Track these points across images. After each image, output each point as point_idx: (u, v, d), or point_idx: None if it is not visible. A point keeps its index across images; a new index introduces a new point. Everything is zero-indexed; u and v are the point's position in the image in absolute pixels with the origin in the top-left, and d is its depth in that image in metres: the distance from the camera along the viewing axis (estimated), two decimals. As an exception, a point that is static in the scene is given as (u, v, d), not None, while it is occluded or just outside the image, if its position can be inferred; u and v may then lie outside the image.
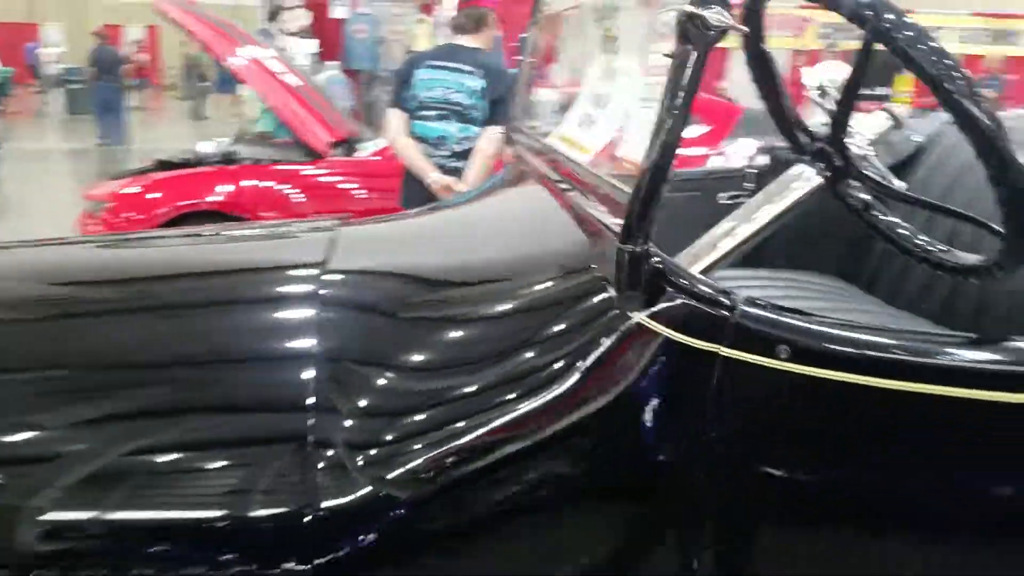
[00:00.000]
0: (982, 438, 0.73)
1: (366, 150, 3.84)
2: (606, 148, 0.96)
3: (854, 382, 0.70)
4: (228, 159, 3.67)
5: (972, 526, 0.76)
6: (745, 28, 0.72)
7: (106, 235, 2.05)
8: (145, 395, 0.89)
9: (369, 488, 0.80)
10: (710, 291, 0.73)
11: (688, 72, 0.65)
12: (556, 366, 0.80)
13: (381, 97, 9.48)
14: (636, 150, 0.77)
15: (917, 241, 0.91)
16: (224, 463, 0.85)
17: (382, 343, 0.96)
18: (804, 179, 0.87)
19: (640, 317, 0.74)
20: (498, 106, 2.74)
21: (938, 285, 1.28)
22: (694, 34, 0.64)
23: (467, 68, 2.73)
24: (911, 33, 0.69)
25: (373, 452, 0.83)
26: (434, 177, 2.68)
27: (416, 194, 2.74)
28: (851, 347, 0.72)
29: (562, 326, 0.84)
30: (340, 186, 3.68)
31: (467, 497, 0.81)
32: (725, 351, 0.72)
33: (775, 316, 0.72)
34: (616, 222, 0.80)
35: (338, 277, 1.07)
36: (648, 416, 0.78)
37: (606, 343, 0.77)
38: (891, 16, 0.69)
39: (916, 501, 0.75)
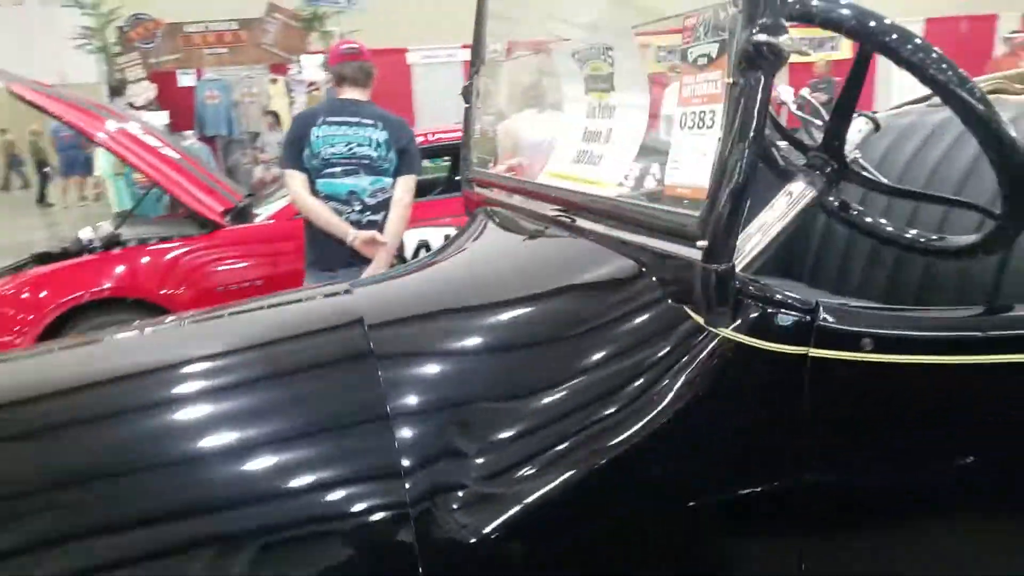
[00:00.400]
0: None
1: (262, 215, 3.76)
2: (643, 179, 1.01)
3: (936, 362, 0.78)
4: (112, 243, 3.46)
5: None
6: (810, 52, 0.79)
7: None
8: (237, 478, 0.84)
9: (479, 548, 0.79)
10: (789, 298, 0.79)
11: (760, 96, 0.71)
12: (657, 396, 0.82)
13: (241, 161, 9.26)
14: (691, 176, 0.82)
15: (908, 235, 1.02)
16: (327, 543, 0.82)
17: (456, 389, 0.96)
18: (805, 191, 0.94)
19: (730, 332, 0.79)
20: (404, 155, 2.78)
21: (877, 272, 1.42)
22: (766, 61, 0.70)
23: (367, 121, 2.75)
24: (914, 45, 0.79)
25: (477, 509, 0.82)
26: (355, 234, 2.67)
27: (330, 254, 2.71)
28: (926, 330, 0.80)
29: (648, 351, 0.87)
30: (240, 254, 3.57)
31: (583, 538, 0.82)
32: (814, 351, 0.78)
33: (854, 311, 0.79)
34: (670, 247, 0.85)
35: (386, 331, 1.06)
36: (756, 424, 0.82)
37: (701, 362, 0.81)
38: (894, 33, 0.79)
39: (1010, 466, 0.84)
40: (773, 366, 0.79)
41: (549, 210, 1.25)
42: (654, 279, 0.89)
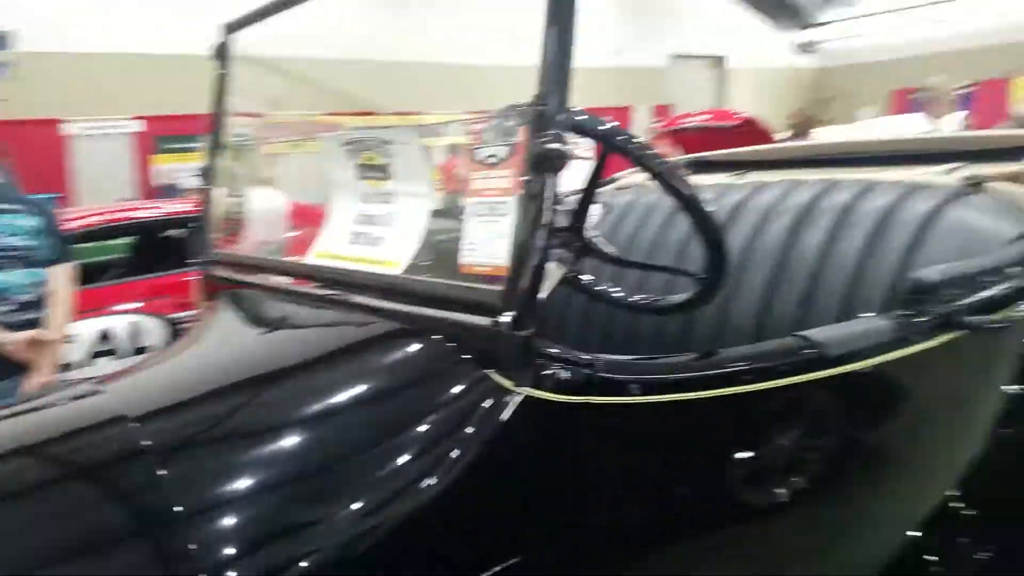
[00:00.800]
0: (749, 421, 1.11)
1: None
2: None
3: (690, 399, 1.00)
4: None
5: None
6: (588, 156, 0.97)
7: None
8: None
9: None
10: (573, 356, 0.96)
11: (551, 190, 0.87)
12: (472, 455, 0.93)
13: None
14: (487, 257, 0.95)
15: (632, 299, 1.26)
16: None
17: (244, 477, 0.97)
18: (557, 268, 1.14)
19: (533, 391, 0.93)
20: (59, 241, 2.59)
21: (616, 328, 1.73)
22: (554, 163, 0.86)
23: (13, 207, 2.51)
24: (640, 146, 1.02)
25: None
26: (11, 339, 2.38)
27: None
28: (677, 372, 1.02)
29: (455, 414, 0.96)
30: None
31: None
32: (595, 399, 0.95)
33: (623, 363, 0.98)
34: (466, 318, 0.97)
35: (156, 425, 1.03)
36: (556, 465, 0.97)
37: (512, 420, 0.93)
38: (629, 139, 1.02)
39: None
40: (570, 414, 0.95)
41: (318, 290, 1.31)
42: (453, 348, 1.00)
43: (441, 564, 0.95)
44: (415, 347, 1.05)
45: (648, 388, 0.99)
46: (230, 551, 0.88)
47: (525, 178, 0.89)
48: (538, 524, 0.99)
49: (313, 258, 1.34)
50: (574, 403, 0.94)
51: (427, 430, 0.96)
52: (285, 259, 1.66)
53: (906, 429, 1.32)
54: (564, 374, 0.94)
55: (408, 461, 0.94)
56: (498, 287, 0.92)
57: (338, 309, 1.23)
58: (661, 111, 17.75)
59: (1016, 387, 1.48)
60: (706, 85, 19.89)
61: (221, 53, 1.61)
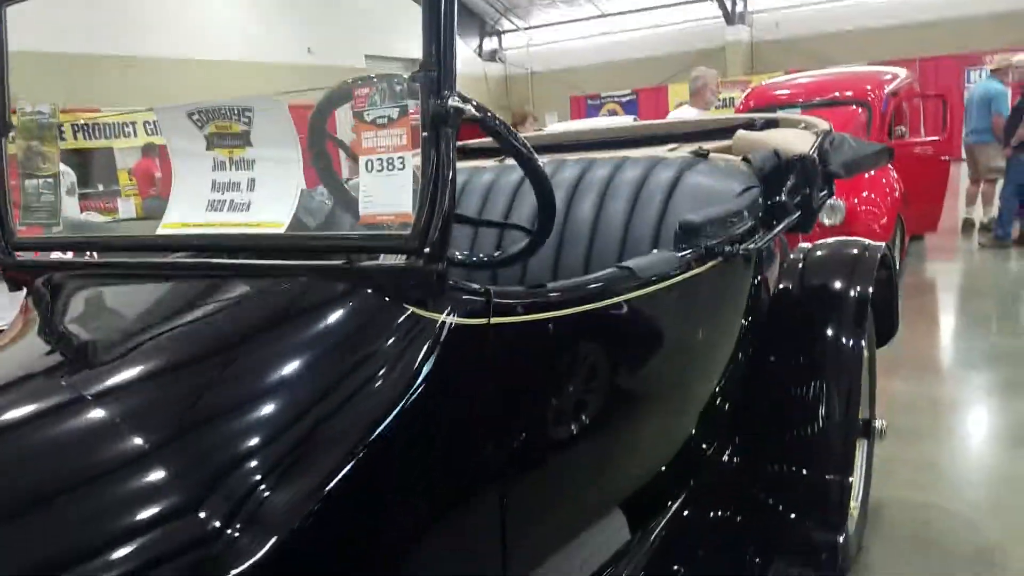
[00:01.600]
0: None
1: None
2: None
3: (560, 315, 1.24)
4: None
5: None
6: (479, 114, 1.11)
7: None
8: None
9: None
10: (473, 287, 1.13)
11: (450, 145, 1.03)
12: (410, 379, 1.07)
13: None
14: (389, 207, 1.09)
15: (475, 257, 1.47)
16: None
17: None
18: None
19: (447, 317, 1.09)
20: None
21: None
22: (454, 119, 1.02)
23: None
24: (504, 127, 1.20)
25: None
26: None
27: None
28: (549, 296, 1.25)
29: (383, 347, 1.09)
30: None
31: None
32: (493, 320, 1.14)
33: (510, 291, 1.19)
34: (378, 262, 1.10)
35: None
36: (469, 377, 1.14)
37: (434, 344, 1.08)
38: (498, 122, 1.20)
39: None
40: (476, 334, 1.13)
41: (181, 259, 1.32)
42: (368, 291, 1.11)
43: (416, 492, 1.09)
44: (331, 295, 1.12)
45: (528, 308, 1.22)
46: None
47: (425, 134, 1.04)
48: (484, 435, 1.17)
49: (161, 230, 1.32)
50: (478, 325, 1.12)
51: (372, 369, 1.05)
52: (124, 235, 1.58)
53: (689, 333, 1.73)
54: (469, 302, 1.11)
55: (360, 401, 1.04)
56: (404, 232, 1.05)
57: (218, 276, 1.24)
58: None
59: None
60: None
61: None
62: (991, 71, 8.25)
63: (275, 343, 1.11)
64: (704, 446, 1.85)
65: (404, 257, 1.07)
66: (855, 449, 1.99)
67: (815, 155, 2.03)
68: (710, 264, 1.65)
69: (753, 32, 19.45)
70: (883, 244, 2.24)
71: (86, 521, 0.90)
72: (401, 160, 1.09)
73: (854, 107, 6.70)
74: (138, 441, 0.97)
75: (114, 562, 0.85)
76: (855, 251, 2.18)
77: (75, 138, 10.69)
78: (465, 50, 22.37)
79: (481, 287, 1.14)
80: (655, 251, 1.63)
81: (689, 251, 1.58)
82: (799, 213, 2.03)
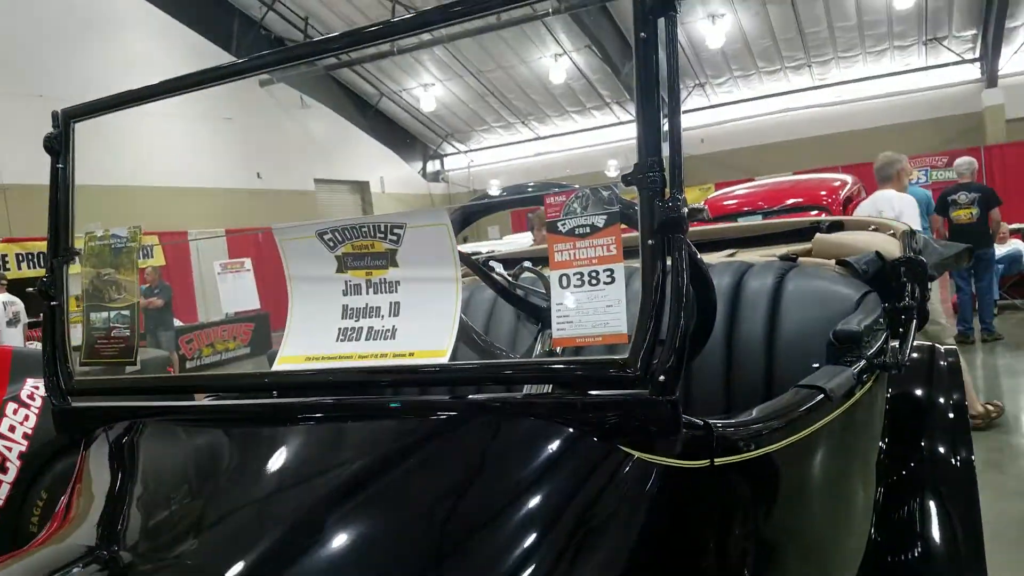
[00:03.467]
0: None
1: None
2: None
3: (775, 448, 1.08)
4: None
5: None
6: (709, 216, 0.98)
7: None
8: None
9: None
10: (695, 421, 0.97)
11: (682, 253, 0.90)
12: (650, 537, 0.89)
13: None
14: (595, 328, 0.93)
15: None
16: None
17: None
18: None
19: (672, 460, 0.92)
20: None
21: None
22: (681, 226, 0.89)
23: None
24: None
25: None
26: None
27: None
28: (758, 427, 1.10)
29: (601, 499, 0.91)
30: None
31: None
32: (717, 461, 0.98)
33: (732, 424, 1.03)
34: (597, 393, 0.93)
35: None
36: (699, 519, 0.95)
37: (652, 494, 0.91)
38: None
39: None
40: (699, 476, 0.95)
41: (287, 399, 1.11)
42: (577, 429, 0.93)
43: None
44: (525, 434, 0.94)
45: (749, 443, 1.05)
46: None
47: (650, 242, 0.90)
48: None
49: (279, 365, 1.11)
50: (699, 467, 0.95)
51: (583, 525, 0.88)
52: (224, 374, 1.35)
53: (865, 450, 1.57)
54: (691, 438, 0.94)
55: (565, 564, 0.84)
56: (619, 356, 0.89)
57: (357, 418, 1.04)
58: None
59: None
60: (352, 207, 20.87)
61: (61, 144, 1.30)
62: None
63: (468, 493, 0.92)
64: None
65: (624, 390, 0.90)
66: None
67: (917, 255, 1.97)
68: (875, 376, 1.51)
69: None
70: (954, 346, 2.17)
71: None
72: (609, 273, 0.94)
73: (815, 212, 6.93)
74: None
75: None
76: (926, 355, 2.08)
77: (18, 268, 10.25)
78: (410, 171, 22.89)
79: (701, 419, 0.98)
80: (817, 365, 1.49)
81: (860, 364, 1.44)
82: (917, 320, 1.93)
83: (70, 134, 1.32)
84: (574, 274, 0.96)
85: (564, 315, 0.96)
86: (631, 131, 0.89)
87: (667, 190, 0.90)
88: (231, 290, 14.36)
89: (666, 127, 0.92)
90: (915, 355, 2.10)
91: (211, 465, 1.11)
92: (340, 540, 0.88)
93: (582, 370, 0.94)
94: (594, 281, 0.95)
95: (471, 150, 23.58)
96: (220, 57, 16.83)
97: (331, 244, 1.13)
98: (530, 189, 1.34)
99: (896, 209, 5.04)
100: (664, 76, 0.91)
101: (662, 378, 0.87)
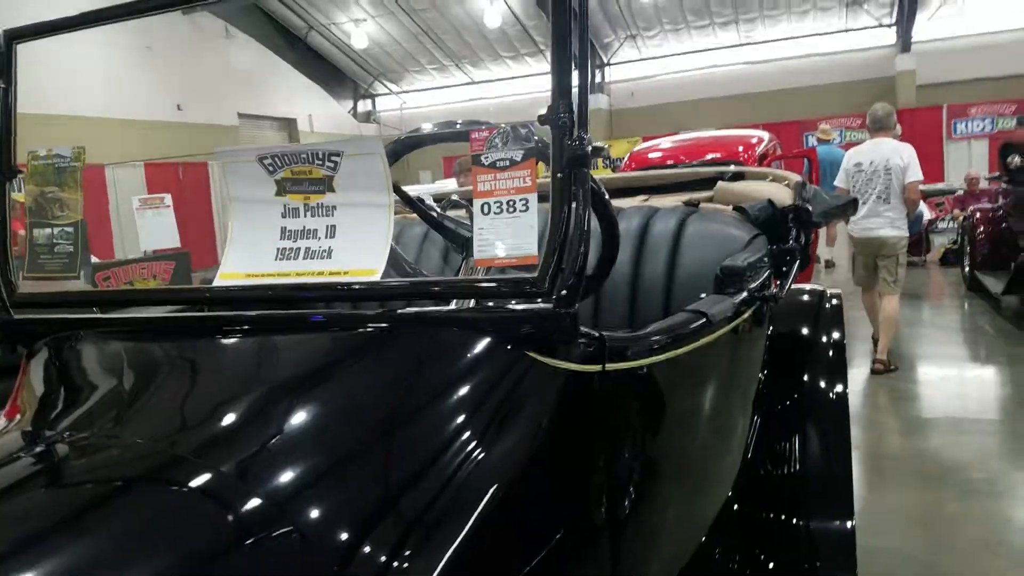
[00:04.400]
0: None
1: None
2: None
3: (661, 359, 1.25)
4: None
5: None
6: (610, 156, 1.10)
7: None
8: None
9: None
10: (589, 332, 1.12)
11: (585, 185, 1.04)
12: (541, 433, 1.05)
13: None
14: (512, 250, 1.06)
15: None
16: None
17: None
18: None
19: (575, 365, 1.08)
20: None
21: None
22: (587, 161, 1.03)
23: None
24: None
25: None
26: None
27: None
28: (648, 341, 1.26)
29: (510, 406, 1.06)
30: None
31: None
32: (609, 366, 1.14)
33: (620, 337, 1.19)
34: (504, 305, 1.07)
35: None
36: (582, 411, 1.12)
37: (558, 397, 1.07)
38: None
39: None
40: (590, 380, 1.11)
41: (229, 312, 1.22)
42: (488, 337, 1.07)
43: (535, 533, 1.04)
44: (451, 347, 1.06)
45: (637, 354, 1.22)
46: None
47: (560, 175, 1.03)
48: (592, 476, 1.14)
49: (219, 280, 1.20)
50: (593, 372, 1.11)
51: (495, 419, 1.02)
52: (171, 287, 1.42)
53: (739, 376, 1.78)
54: (585, 347, 1.10)
55: (479, 455, 0.99)
56: (530, 275, 1.03)
57: (293, 329, 1.15)
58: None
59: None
60: (278, 145, 20.19)
61: (3, 64, 1.32)
62: (818, 139, 9.63)
63: (393, 396, 1.05)
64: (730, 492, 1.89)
65: (530, 301, 1.05)
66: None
67: (805, 204, 2.18)
68: (755, 307, 1.71)
69: (611, 100, 20.71)
70: (839, 291, 2.42)
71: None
72: (524, 202, 1.08)
73: (732, 166, 7.24)
74: (267, 502, 0.88)
75: None
76: (815, 298, 2.32)
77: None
78: (340, 110, 22.28)
79: (595, 331, 1.13)
80: (703, 296, 1.67)
81: (742, 295, 1.63)
82: (798, 263, 2.15)
83: (12, 55, 1.34)
84: (494, 203, 1.09)
85: (484, 239, 1.09)
86: None
87: (575, 130, 1.03)
88: (150, 227, 13.89)
89: (576, 74, 1.05)
90: (805, 297, 2.34)
91: (145, 371, 1.20)
92: (258, 436, 1.00)
93: (496, 286, 1.08)
94: (511, 209, 1.08)
95: (404, 91, 23.11)
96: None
97: (271, 169, 1.22)
98: (458, 126, 1.45)
99: (905, 159, 5.10)
100: (575, 26, 1.03)
101: (563, 292, 1.02)
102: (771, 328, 2.13)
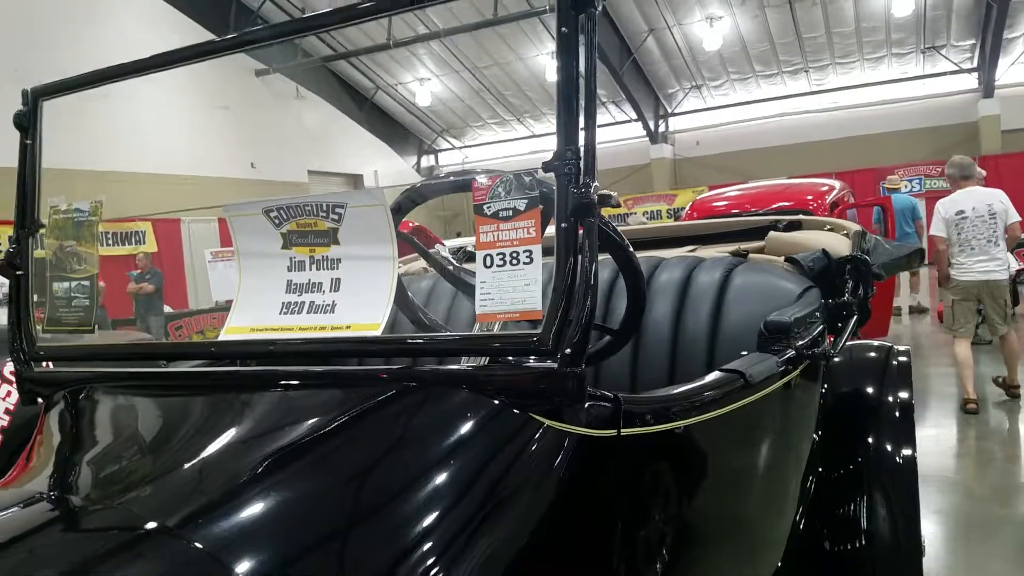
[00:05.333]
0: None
1: None
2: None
3: (686, 424, 1.15)
4: None
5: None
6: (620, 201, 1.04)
7: None
8: None
9: None
10: (604, 393, 1.03)
11: (592, 236, 0.96)
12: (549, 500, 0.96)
13: None
14: (514, 304, 0.99)
15: None
16: None
17: None
18: None
19: (581, 429, 0.99)
20: None
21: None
22: (592, 211, 0.96)
23: None
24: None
25: None
26: None
27: None
28: (671, 404, 1.16)
29: (504, 462, 0.97)
30: None
31: None
32: (623, 431, 1.04)
33: (637, 399, 1.10)
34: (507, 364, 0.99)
35: None
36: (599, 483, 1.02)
37: (561, 460, 0.98)
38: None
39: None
40: (606, 446, 1.02)
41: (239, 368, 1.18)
42: (494, 399, 0.99)
43: None
44: (446, 403, 1.00)
45: (656, 418, 1.13)
46: None
47: (564, 225, 0.97)
48: (611, 540, 1.03)
49: (225, 335, 1.18)
50: (608, 437, 1.01)
51: (500, 485, 0.94)
52: (171, 342, 1.42)
53: (796, 439, 1.65)
54: (599, 409, 1.01)
55: (480, 523, 0.90)
56: (535, 331, 0.96)
57: (288, 386, 1.10)
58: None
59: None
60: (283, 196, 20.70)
61: (29, 121, 1.36)
62: (887, 188, 9.62)
63: (392, 460, 0.97)
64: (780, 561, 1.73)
65: (535, 360, 0.97)
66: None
67: (864, 255, 2.04)
68: (803, 366, 1.59)
69: (675, 150, 20.63)
70: (907, 347, 2.24)
71: None
72: (528, 254, 1.01)
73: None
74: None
75: None
76: (882, 355, 2.15)
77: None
78: (404, 165, 22.90)
79: (611, 393, 1.04)
80: (744, 353, 1.55)
81: (788, 353, 1.51)
82: (858, 317, 2.00)
83: (38, 112, 1.38)
84: (496, 254, 1.02)
85: (487, 292, 1.02)
86: (626, 131, 0.93)
87: (581, 177, 0.97)
88: (222, 278, 14.47)
89: (582, 119, 0.98)
90: (871, 354, 2.17)
91: (156, 425, 1.18)
92: (263, 499, 0.94)
93: (499, 343, 1.00)
94: (514, 261, 1.01)
95: (466, 146, 23.60)
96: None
97: (277, 222, 1.19)
98: (464, 174, 1.40)
99: (1005, 203, 5.47)
100: (583, 70, 0.97)
101: (568, 351, 0.94)
102: (826, 387, 1.97)
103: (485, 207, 1.04)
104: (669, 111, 20.28)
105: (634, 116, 20.02)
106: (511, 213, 1.02)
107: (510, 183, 1.03)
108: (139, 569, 0.87)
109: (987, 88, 16.94)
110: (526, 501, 0.96)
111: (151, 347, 1.32)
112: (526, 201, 1.02)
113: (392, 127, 21.83)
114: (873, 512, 1.83)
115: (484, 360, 1.04)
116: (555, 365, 0.95)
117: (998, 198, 5.50)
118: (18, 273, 1.33)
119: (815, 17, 15.83)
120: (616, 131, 20.84)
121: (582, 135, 0.98)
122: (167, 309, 12.63)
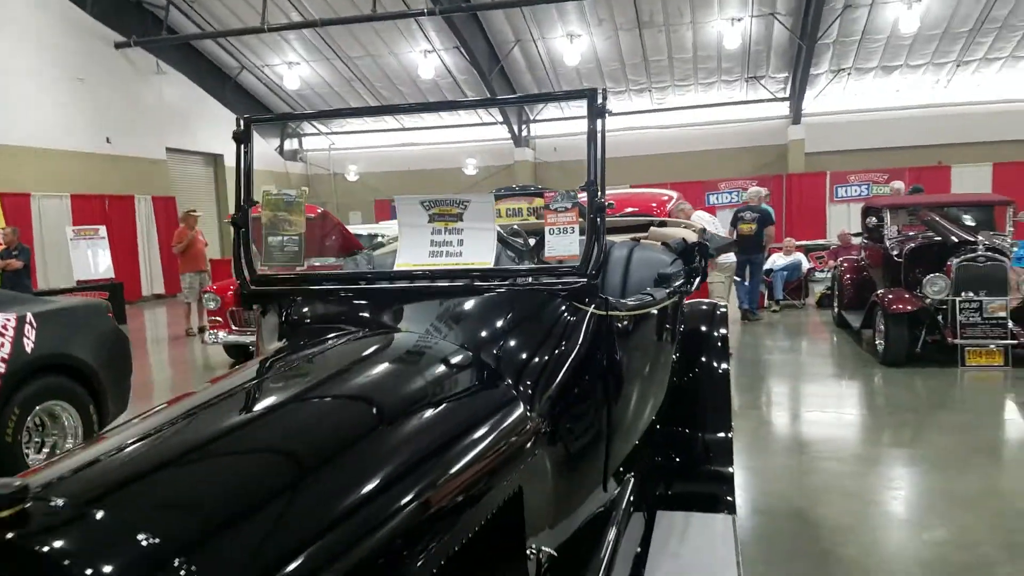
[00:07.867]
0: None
1: None
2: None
3: (639, 313, 2.31)
4: None
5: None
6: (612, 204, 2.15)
7: None
8: None
9: None
10: (603, 297, 2.15)
11: (602, 223, 2.07)
12: (579, 339, 2.06)
13: None
14: (563, 251, 2.08)
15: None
16: None
17: None
18: None
19: (596, 310, 2.09)
20: None
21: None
22: (604, 210, 2.06)
23: None
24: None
25: None
26: None
27: None
28: (635, 304, 2.32)
29: (570, 324, 2.06)
30: None
31: None
32: (611, 313, 2.17)
33: (615, 302, 2.23)
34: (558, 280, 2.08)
35: None
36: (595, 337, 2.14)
37: (592, 323, 2.08)
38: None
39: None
40: (602, 319, 2.14)
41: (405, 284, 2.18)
42: (554, 295, 2.07)
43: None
44: (539, 297, 2.04)
45: (622, 308, 2.26)
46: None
47: (591, 216, 2.04)
48: (603, 370, 2.15)
49: (398, 268, 2.15)
50: (603, 315, 2.12)
51: (560, 334, 2.02)
52: (363, 271, 2.35)
53: (669, 347, 2.88)
54: (600, 303, 2.10)
55: (561, 346, 1.99)
56: (575, 265, 2.05)
57: (446, 290, 2.11)
58: (161, 202, 17.75)
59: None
60: (204, 180, 20.36)
61: (244, 137, 2.24)
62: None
63: (519, 321, 2.04)
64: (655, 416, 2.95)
65: (575, 279, 2.06)
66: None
67: (705, 242, 3.36)
68: (677, 296, 2.83)
69: (536, 154, 22.24)
70: (726, 303, 3.58)
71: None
72: (572, 228, 2.10)
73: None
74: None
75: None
76: (710, 307, 3.48)
77: None
78: (267, 148, 22.75)
79: (605, 296, 2.16)
80: (648, 289, 2.75)
81: (671, 288, 2.74)
82: (699, 277, 3.30)
83: (250, 132, 2.26)
84: (559, 228, 2.11)
85: (552, 246, 2.11)
86: (492, 132, 1.79)
87: (599, 193, 2.07)
88: (84, 257, 13.90)
89: (597, 167, 2.08)
90: (704, 307, 3.48)
91: (351, 318, 2.14)
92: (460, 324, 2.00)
93: (559, 269, 2.09)
94: (565, 231, 2.10)
95: (333, 132, 23.82)
96: (70, 11, 16.12)
97: (427, 206, 2.19)
98: (521, 189, 2.49)
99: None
100: (598, 144, 2.07)
101: (592, 274, 2.04)
102: (682, 327, 3.25)
103: (551, 206, 2.12)
104: (531, 117, 21.85)
105: (500, 119, 21.41)
106: (563, 208, 2.11)
107: (563, 195, 2.12)
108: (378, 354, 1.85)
109: (796, 115, 19.79)
110: (576, 337, 2.05)
111: (341, 275, 2.27)
112: (570, 204, 2.11)
113: (256, 109, 21.51)
114: (702, 406, 3.10)
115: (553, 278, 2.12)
116: (584, 280, 2.04)
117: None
118: (242, 229, 2.24)
119: (660, 42, 17.83)
120: (482, 131, 22.06)
121: (596, 169, 2.08)
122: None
